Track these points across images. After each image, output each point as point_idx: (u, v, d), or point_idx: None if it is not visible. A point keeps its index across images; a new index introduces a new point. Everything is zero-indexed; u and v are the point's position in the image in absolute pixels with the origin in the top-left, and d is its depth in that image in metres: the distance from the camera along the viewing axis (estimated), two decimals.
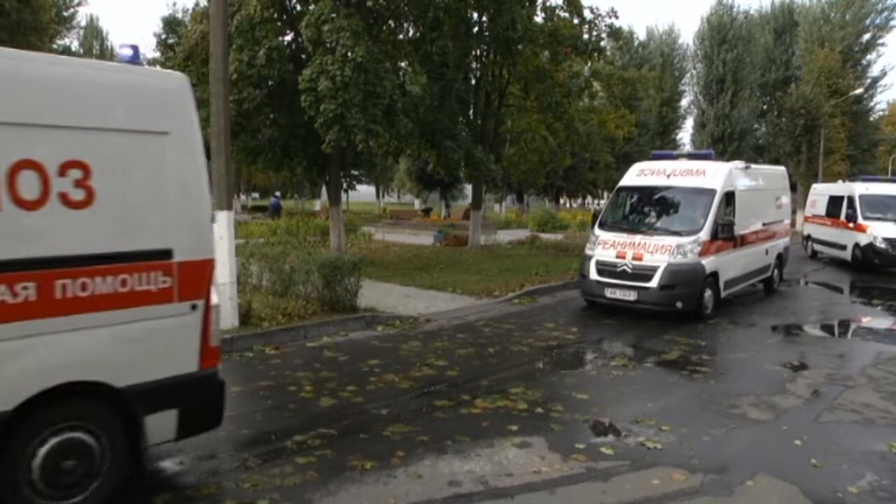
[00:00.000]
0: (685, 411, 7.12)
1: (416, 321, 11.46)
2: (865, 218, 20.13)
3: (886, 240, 19.42)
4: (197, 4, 19.76)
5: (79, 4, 43.62)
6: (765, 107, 51.78)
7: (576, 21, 21.26)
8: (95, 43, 63.17)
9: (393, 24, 18.81)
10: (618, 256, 12.10)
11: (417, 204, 58.91)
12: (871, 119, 51.77)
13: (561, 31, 20.35)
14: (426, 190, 56.96)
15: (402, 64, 20.49)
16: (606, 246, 12.46)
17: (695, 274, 11.73)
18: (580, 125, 22.34)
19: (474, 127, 21.66)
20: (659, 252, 11.79)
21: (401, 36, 19.41)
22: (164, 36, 43.24)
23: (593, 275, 12.42)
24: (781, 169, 17.66)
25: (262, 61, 15.50)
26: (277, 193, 52.67)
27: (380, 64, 15.34)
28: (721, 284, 12.56)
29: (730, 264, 12.84)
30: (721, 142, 45.72)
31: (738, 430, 6.60)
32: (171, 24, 42.56)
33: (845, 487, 5.35)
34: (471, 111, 22.04)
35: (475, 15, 19.82)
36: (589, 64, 23.74)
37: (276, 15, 17.51)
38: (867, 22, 48.41)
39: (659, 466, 5.63)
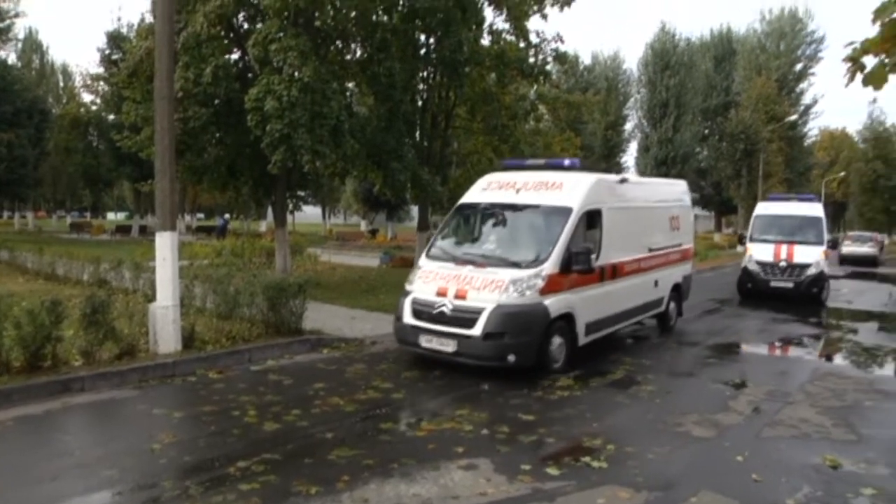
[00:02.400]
0: (630, 430, 7.21)
1: (362, 343, 11.38)
2: (752, 240, 19.35)
3: (758, 263, 18.52)
4: (142, 20, 19.49)
5: (16, 16, 42.77)
6: (706, 131, 53.31)
7: (522, 45, 21.52)
8: (35, 57, 61.81)
9: (340, 45, 18.83)
10: (438, 294, 9.57)
11: (364, 225, 58.74)
12: (806, 144, 53.97)
13: (507, 54, 20.60)
14: (372, 211, 56.86)
15: (350, 85, 20.49)
16: (428, 280, 9.92)
17: (533, 318, 9.14)
18: (526, 147, 22.55)
19: (421, 149, 21.73)
20: (488, 289, 9.22)
21: (348, 56, 19.42)
22: (108, 51, 42.46)
23: (407, 317, 9.83)
24: (680, 183, 15.36)
25: (208, 79, 15.37)
26: (227, 215, 51.92)
27: (327, 84, 15.34)
28: (579, 329, 10.00)
29: (594, 302, 10.28)
30: (664, 165, 46.77)
31: (682, 447, 6.71)
32: (115, 39, 41.76)
33: (783, 501, 5.48)
34: (417, 133, 22.09)
35: (423, 37, 19.94)
36: (535, 87, 24.05)
37: (223, 33, 17.39)
38: (799, 52, 50.64)
39: (605, 486, 5.68)
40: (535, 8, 21.07)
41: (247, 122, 15.06)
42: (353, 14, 17.33)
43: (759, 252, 18.56)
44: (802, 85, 51.69)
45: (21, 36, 56.28)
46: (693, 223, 15.73)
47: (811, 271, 17.89)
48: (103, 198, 74.19)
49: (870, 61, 4.60)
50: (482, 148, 23.80)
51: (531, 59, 21.21)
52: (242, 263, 20.06)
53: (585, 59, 53.04)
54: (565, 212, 9.94)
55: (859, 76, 4.60)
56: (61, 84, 64.74)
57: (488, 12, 20.40)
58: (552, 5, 20.90)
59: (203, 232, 48.11)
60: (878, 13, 4.48)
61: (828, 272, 18.41)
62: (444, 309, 9.39)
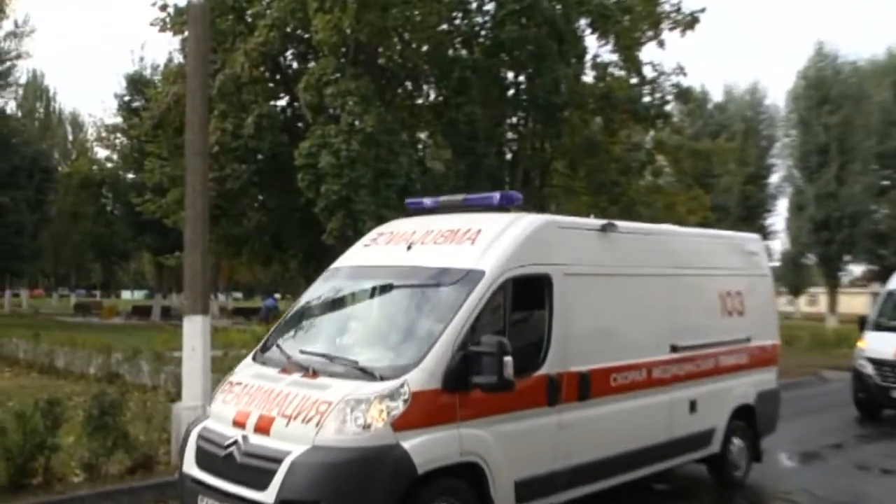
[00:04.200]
0: None
1: None
2: (874, 327, 15.58)
3: (873, 362, 14.72)
4: (170, 61, 20.38)
5: (17, 57, 45.15)
6: (885, 182, 51.69)
7: (634, 80, 21.58)
8: (39, 105, 64.68)
9: (410, 87, 19.19)
10: (235, 423, 6.77)
11: None
12: None
13: (615, 92, 20.67)
14: None
15: (422, 135, 20.80)
16: (229, 397, 7.19)
17: (374, 473, 5.97)
18: (643, 209, 22.41)
19: None
20: (302, 416, 6.25)
21: (420, 101, 19.77)
22: (127, 98, 44.32)
23: (188, 463, 7.08)
24: (748, 238, 11.74)
25: (249, 131, 15.86)
26: (277, 295, 52.65)
27: (394, 136, 15.68)
28: (500, 491, 6.64)
29: (534, 443, 7.15)
30: (826, 228, 45.73)
31: None
32: (136, 83, 43.53)
33: None
34: None
35: (510, 75, 20.16)
36: (651, 133, 24.06)
37: (267, 75, 17.95)
38: None
39: None
40: (650, 33, 21.23)
41: (296, 182, 15.35)
42: (425, 49, 17.73)
43: (875, 346, 14.98)
44: None
45: (23, 80, 59.22)
46: (774, 303, 12.00)
47: None
48: (117, 273, 76.11)
49: None
50: (587, 210, 23.78)
51: (646, 98, 21.27)
52: None
53: (716, 96, 52.89)
54: (469, 279, 6.95)
55: None
56: (70, 136, 67.88)
57: (591, 42, 20.66)
58: (671, 29, 20.98)
59: (241, 315, 48.83)
60: None
61: None
62: (234, 450, 6.51)
